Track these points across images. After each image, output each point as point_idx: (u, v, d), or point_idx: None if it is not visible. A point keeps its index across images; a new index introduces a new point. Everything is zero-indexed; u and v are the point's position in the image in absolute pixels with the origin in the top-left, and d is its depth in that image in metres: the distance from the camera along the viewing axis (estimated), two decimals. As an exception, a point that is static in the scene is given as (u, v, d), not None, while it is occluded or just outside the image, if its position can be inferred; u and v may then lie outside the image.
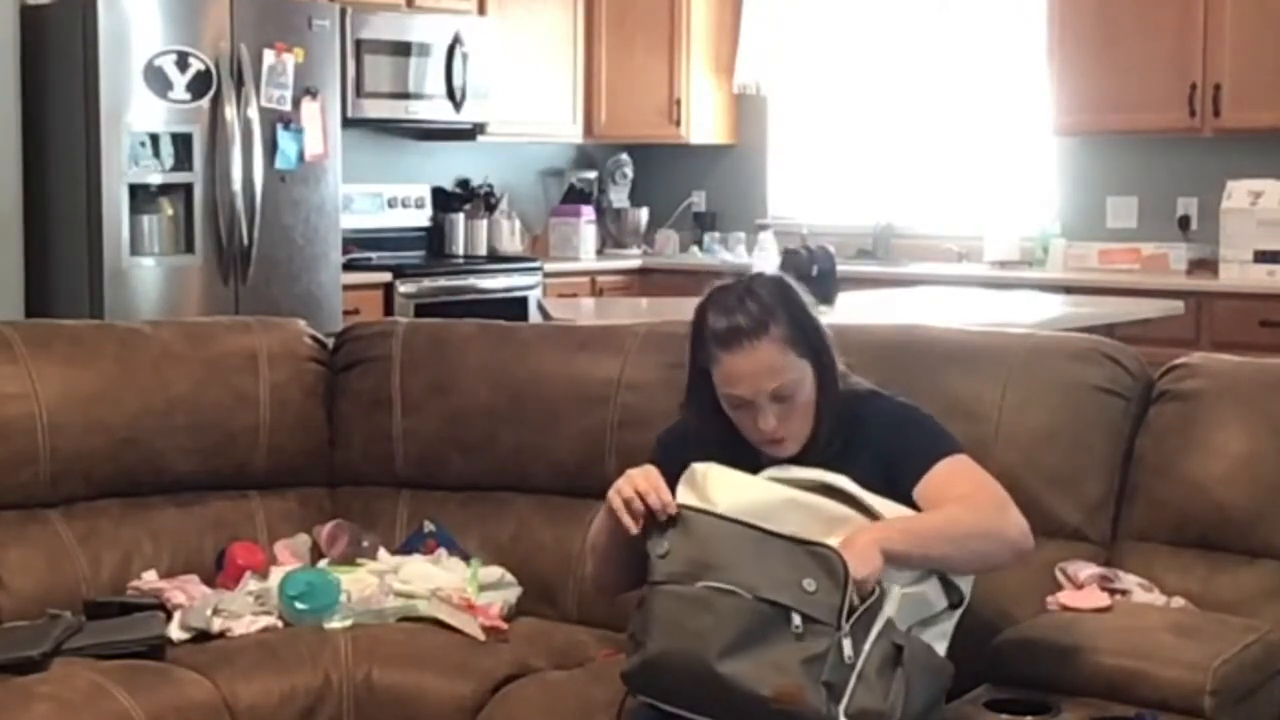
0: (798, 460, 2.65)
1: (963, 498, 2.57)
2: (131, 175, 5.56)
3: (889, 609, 2.38)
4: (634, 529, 2.49)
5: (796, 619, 2.32)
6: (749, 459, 2.66)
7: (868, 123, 7.65)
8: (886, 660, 2.36)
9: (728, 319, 2.60)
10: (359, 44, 6.55)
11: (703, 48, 7.76)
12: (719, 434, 2.68)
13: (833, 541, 2.41)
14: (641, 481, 2.50)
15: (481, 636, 3.06)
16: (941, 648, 2.51)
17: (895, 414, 2.71)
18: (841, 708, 2.31)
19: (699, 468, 2.55)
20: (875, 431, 2.66)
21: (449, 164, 7.50)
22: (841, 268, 5.46)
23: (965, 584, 2.55)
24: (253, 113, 5.76)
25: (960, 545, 2.53)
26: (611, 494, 2.53)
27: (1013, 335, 3.30)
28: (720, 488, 2.50)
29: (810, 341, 2.64)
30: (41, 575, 3.21)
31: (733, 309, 2.61)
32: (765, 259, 6.94)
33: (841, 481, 2.55)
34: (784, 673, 2.31)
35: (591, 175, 8.01)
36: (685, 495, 2.53)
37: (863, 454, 2.63)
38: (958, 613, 2.54)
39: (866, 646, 2.34)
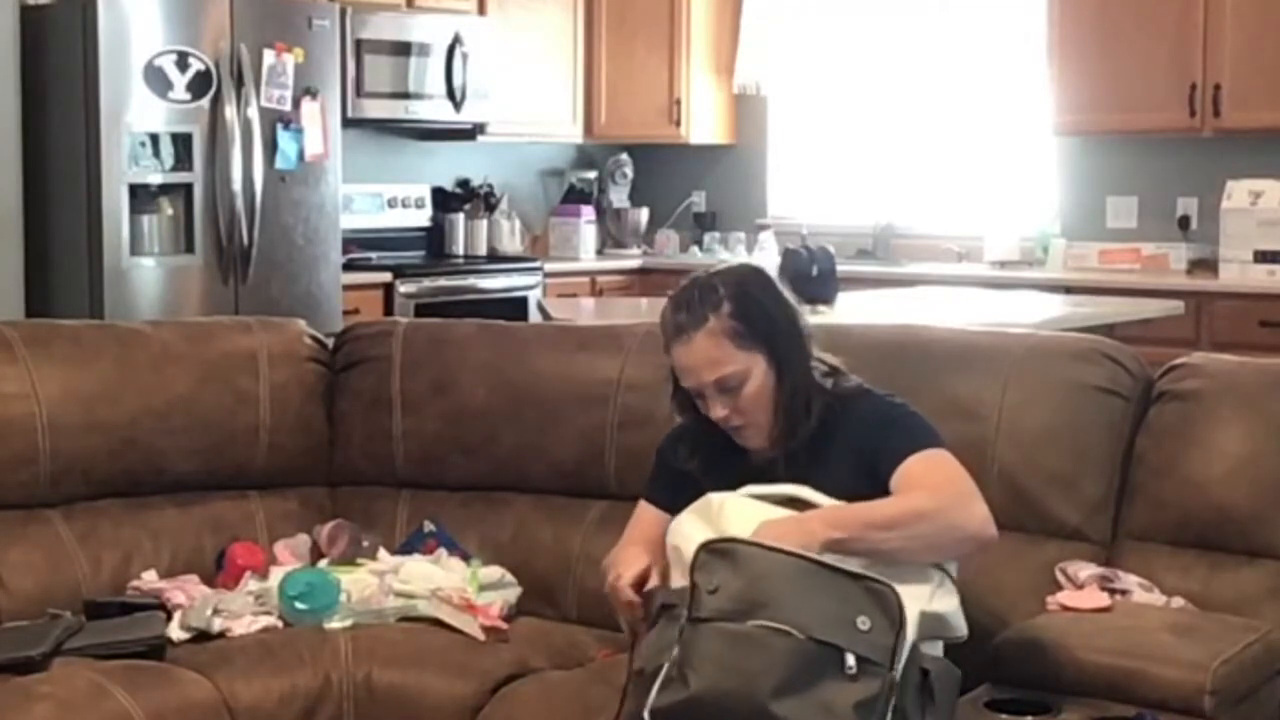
0: (773, 453, 2.65)
1: (930, 487, 2.55)
2: (131, 175, 5.56)
3: (910, 633, 2.35)
4: (632, 629, 2.59)
5: (850, 659, 2.29)
6: (736, 451, 2.69)
7: (867, 123, 7.65)
8: (917, 689, 2.34)
9: (673, 313, 2.67)
10: (359, 44, 6.54)
11: (703, 48, 7.76)
12: (703, 426, 2.71)
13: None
14: (615, 592, 2.62)
15: (481, 636, 3.06)
16: (939, 647, 2.51)
17: (879, 411, 2.69)
18: None
19: (715, 499, 2.54)
20: (857, 427, 2.65)
21: (449, 164, 7.50)
22: (841, 268, 5.45)
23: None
24: (253, 113, 5.76)
25: (909, 531, 2.49)
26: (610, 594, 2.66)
27: (1013, 335, 3.30)
28: (733, 521, 2.48)
29: (761, 333, 2.64)
30: (41, 575, 3.20)
31: (680, 304, 2.67)
32: (765, 259, 6.93)
33: (806, 493, 2.55)
34: (834, 715, 2.27)
35: (591, 175, 8.01)
36: (694, 525, 2.51)
37: (841, 449, 2.63)
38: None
39: (899, 671, 2.31)
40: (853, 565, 2.39)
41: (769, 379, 2.65)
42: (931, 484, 2.55)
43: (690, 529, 2.51)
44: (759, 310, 2.66)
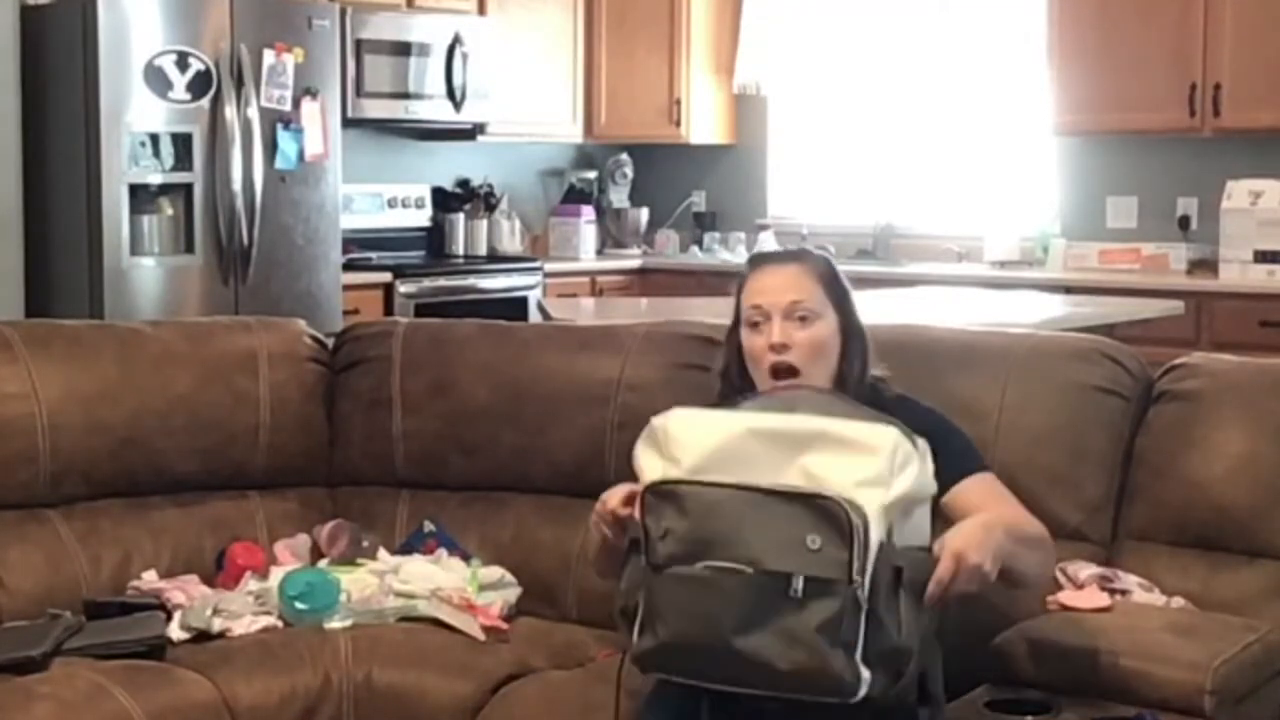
0: None
1: (1011, 513, 2.59)
2: (131, 175, 5.56)
3: (875, 534, 2.30)
4: (611, 537, 2.55)
5: (798, 583, 2.27)
6: None
7: (867, 123, 7.65)
8: (889, 588, 2.30)
9: (766, 252, 2.91)
10: (359, 44, 6.55)
11: (703, 48, 7.76)
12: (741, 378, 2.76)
13: (814, 459, 2.37)
14: (602, 506, 2.57)
15: (481, 636, 3.06)
16: (925, 531, 2.44)
17: (931, 419, 2.71)
18: (859, 657, 2.27)
19: (657, 422, 2.51)
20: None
21: (449, 164, 7.51)
22: (842, 268, 5.42)
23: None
24: (253, 113, 5.76)
25: (1039, 553, 2.55)
26: (593, 518, 2.61)
27: (1013, 335, 3.30)
28: (681, 445, 2.46)
29: (838, 295, 2.78)
30: (41, 575, 3.20)
31: (774, 251, 2.97)
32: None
33: (814, 424, 2.48)
34: (797, 643, 2.26)
35: (591, 175, 8.01)
36: (649, 458, 2.49)
37: None
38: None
39: (867, 583, 2.28)
40: (767, 469, 2.37)
41: (836, 339, 2.74)
42: (1019, 510, 2.62)
43: (646, 461, 2.51)
44: (843, 285, 2.82)
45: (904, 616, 2.30)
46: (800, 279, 2.76)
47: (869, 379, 2.77)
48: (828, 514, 2.30)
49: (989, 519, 2.46)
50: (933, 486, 2.46)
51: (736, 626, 2.29)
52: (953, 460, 2.62)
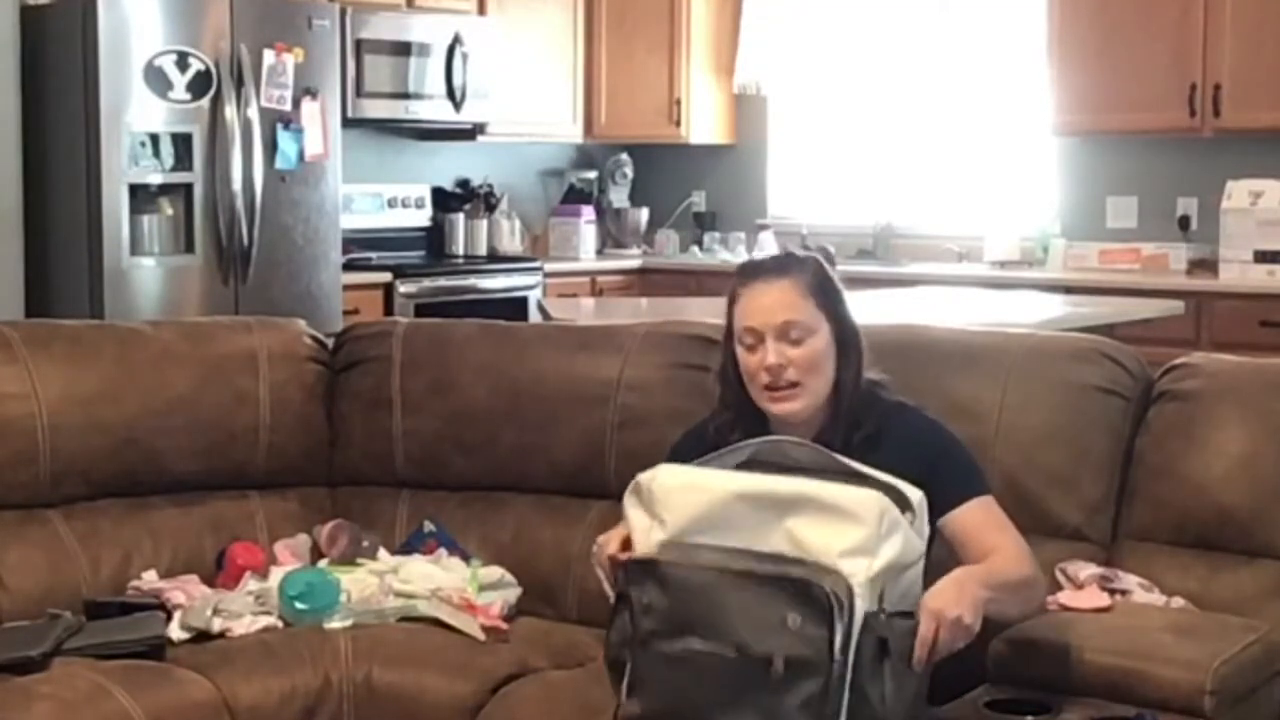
0: (822, 439, 2.63)
1: (1000, 547, 2.58)
2: (131, 175, 5.56)
3: (860, 603, 2.31)
4: (608, 580, 2.57)
5: (779, 664, 2.28)
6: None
7: (867, 123, 7.65)
8: (873, 660, 2.31)
9: (754, 264, 2.81)
10: (359, 44, 6.55)
11: (703, 48, 7.76)
12: (741, 410, 2.73)
13: (799, 524, 2.36)
14: (599, 552, 2.59)
15: (481, 636, 3.06)
16: (917, 593, 2.43)
17: (931, 434, 2.72)
18: None
19: (644, 479, 2.53)
20: (908, 446, 2.65)
21: (449, 164, 7.50)
22: (841, 268, 5.36)
23: (925, 523, 2.48)
24: (253, 113, 5.76)
25: (1021, 596, 2.55)
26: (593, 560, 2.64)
27: (1013, 335, 3.30)
28: (666, 506, 2.47)
29: (833, 306, 2.72)
30: (41, 575, 3.20)
31: (762, 261, 2.81)
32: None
33: (804, 489, 2.47)
34: None
35: (591, 175, 8.01)
36: (636, 514, 2.51)
37: (893, 458, 2.58)
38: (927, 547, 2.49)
39: (850, 658, 2.29)
40: (771, 552, 2.36)
41: (831, 350, 2.70)
42: (1015, 545, 2.60)
43: (634, 516, 2.52)
44: (835, 288, 2.76)
45: (888, 687, 2.31)
46: (790, 295, 2.70)
47: (865, 383, 2.76)
48: (807, 593, 2.31)
49: (961, 575, 2.45)
50: (921, 548, 2.44)
51: (718, 706, 2.32)
52: (952, 481, 2.62)
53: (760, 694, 2.29)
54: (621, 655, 2.45)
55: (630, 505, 2.54)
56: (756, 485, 2.45)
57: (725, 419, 2.77)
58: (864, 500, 2.38)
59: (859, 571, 2.32)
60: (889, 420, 2.71)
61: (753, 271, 2.76)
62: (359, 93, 6.55)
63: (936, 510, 2.55)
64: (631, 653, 2.42)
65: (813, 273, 2.74)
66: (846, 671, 2.28)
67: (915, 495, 2.45)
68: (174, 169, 5.67)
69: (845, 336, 2.73)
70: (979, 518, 2.63)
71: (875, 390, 2.77)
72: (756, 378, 2.71)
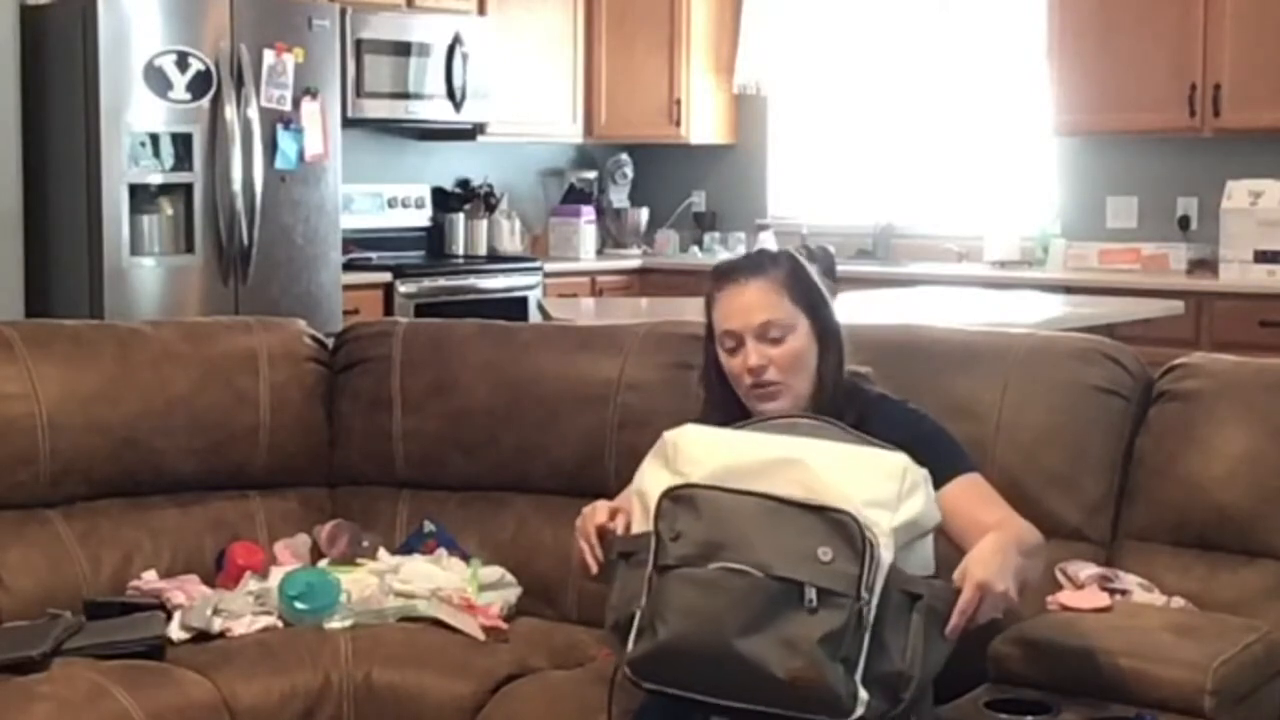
0: None
1: (1005, 518, 2.59)
2: (131, 175, 5.56)
3: (885, 555, 2.30)
4: (594, 568, 2.54)
5: (811, 593, 2.26)
6: None
7: (868, 123, 7.65)
8: (897, 612, 2.30)
9: (728, 266, 2.81)
10: (359, 44, 6.55)
11: (703, 48, 7.77)
12: (728, 410, 2.72)
13: (822, 473, 2.36)
14: (583, 526, 2.58)
15: (481, 636, 3.06)
16: (929, 562, 2.45)
17: (914, 421, 2.72)
18: (858, 677, 2.26)
19: (669, 436, 2.52)
20: (892, 432, 2.62)
21: (449, 164, 7.51)
22: (841, 268, 5.41)
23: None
24: (253, 113, 5.77)
25: (1036, 558, 2.56)
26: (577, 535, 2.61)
27: (1013, 335, 3.30)
28: (690, 460, 2.45)
29: (809, 300, 2.73)
30: (41, 575, 3.20)
31: (735, 261, 2.82)
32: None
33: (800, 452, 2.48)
34: (797, 652, 2.25)
35: (591, 175, 8.01)
36: (656, 471, 2.49)
37: (877, 446, 2.57)
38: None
39: (874, 602, 2.28)
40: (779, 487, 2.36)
41: (811, 345, 2.71)
42: (1015, 514, 2.61)
43: (652, 475, 2.50)
44: (810, 282, 2.77)
45: (911, 642, 2.30)
46: (766, 295, 2.70)
47: (848, 376, 2.76)
48: (841, 527, 2.30)
49: (1001, 541, 2.45)
50: (936, 517, 2.45)
51: (740, 628, 2.28)
52: (939, 460, 2.60)
53: (784, 622, 2.27)
54: (629, 609, 2.39)
55: (649, 464, 2.52)
56: (781, 441, 2.48)
57: (713, 420, 2.76)
58: (887, 457, 2.42)
59: (882, 521, 2.33)
60: (870, 409, 2.72)
61: (727, 273, 2.77)
62: (359, 93, 6.55)
63: None
64: (650, 588, 2.37)
65: (787, 270, 2.75)
66: (870, 614, 2.27)
67: (924, 471, 2.45)
68: (174, 169, 5.68)
69: (825, 331, 2.74)
70: (971, 492, 2.63)
71: (858, 382, 2.78)
72: (741, 379, 2.72)
